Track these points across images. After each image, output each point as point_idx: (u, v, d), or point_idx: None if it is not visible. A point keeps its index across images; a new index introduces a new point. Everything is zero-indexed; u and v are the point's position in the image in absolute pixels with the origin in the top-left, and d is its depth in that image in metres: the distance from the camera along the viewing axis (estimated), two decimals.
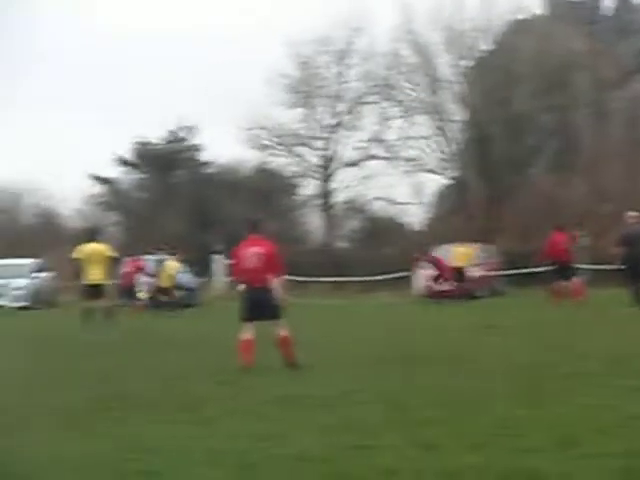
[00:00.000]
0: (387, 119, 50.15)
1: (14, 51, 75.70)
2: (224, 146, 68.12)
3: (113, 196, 59.06)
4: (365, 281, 39.94)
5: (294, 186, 53.22)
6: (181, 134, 58.18)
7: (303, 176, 52.13)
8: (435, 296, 31.69)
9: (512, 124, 46.15)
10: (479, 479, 6.68)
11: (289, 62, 50.22)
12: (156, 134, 57.54)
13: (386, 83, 49.31)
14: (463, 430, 8.26)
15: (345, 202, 52.20)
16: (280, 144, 51.27)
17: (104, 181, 58.78)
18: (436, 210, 51.66)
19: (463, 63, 48.32)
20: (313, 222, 54.18)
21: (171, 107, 75.40)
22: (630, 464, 6.78)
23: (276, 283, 13.76)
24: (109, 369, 13.87)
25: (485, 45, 48.78)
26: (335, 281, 40.40)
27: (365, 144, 50.83)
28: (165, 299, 30.95)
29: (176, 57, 73.17)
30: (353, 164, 51.11)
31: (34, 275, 38.56)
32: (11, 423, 9.39)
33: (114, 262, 22.95)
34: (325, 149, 51.27)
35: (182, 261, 32.94)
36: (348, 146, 51.35)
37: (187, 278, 35.74)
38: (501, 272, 36.56)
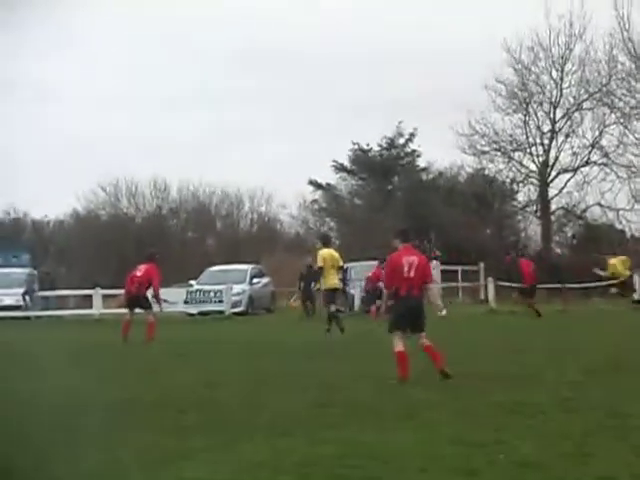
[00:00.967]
0: (605, 125, 49.52)
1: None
2: (441, 152, 68.39)
3: (330, 202, 60.24)
4: (582, 287, 39.63)
5: (511, 192, 53.06)
6: (399, 140, 58.94)
7: (520, 182, 51.98)
8: None
9: None
10: None
11: (507, 68, 50.28)
12: (374, 140, 58.63)
13: (603, 89, 48.67)
14: None
15: (562, 208, 51.70)
16: (497, 150, 51.27)
17: (322, 187, 60.05)
18: None
19: None
20: (530, 228, 53.95)
21: (389, 113, 76.17)
22: None
23: (433, 291, 13.86)
24: (327, 374, 14.24)
25: None
26: (552, 287, 40.23)
27: (583, 150, 50.33)
28: None
29: (396, 63, 73.75)
30: (571, 170, 50.61)
31: (254, 281, 39.64)
32: (226, 427, 9.80)
33: (342, 269, 23.50)
34: (542, 155, 50.99)
35: None
36: (565, 152, 50.96)
37: None
38: None
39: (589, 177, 49.96)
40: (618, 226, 50.14)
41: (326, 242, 23.82)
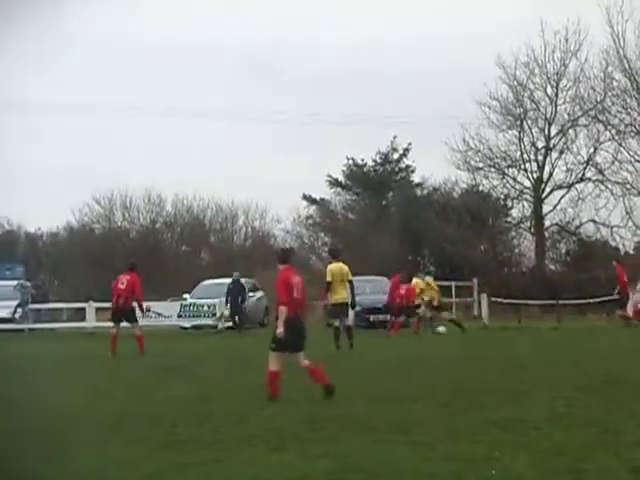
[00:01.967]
0: (599, 142, 49.64)
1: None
2: (435, 167, 68.54)
3: (324, 217, 60.33)
4: (576, 304, 39.74)
5: (505, 208, 53.14)
6: (393, 155, 59.11)
7: (514, 198, 52.05)
8: None
9: None
10: None
11: (502, 84, 50.39)
12: (369, 155, 58.78)
13: (598, 106, 48.82)
14: None
15: (556, 224, 51.77)
16: (492, 166, 51.33)
17: (316, 202, 60.16)
18: None
19: None
20: (524, 245, 53.99)
21: (383, 128, 76.33)
22: None
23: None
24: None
25: None
26: (546, 304, 40.33)
27: (577, 167, 50.42)
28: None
29: (390, 78, 73.95)
30: (565, 187, 50.70)
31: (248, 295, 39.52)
32: (218, 441, 9.76)
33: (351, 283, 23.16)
34: (537, 171, 51.06)
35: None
36: (560, 169, 51.04)
37: None
38: None
39: (583, 194, 50.06)
40: (612, 243, 50.23)
41: (335, 256, 23.81)
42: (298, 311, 13.54)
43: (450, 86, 66.78)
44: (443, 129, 60.65)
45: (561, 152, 50.60)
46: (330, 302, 22.81)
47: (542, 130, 50.81)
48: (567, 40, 49.26)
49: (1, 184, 67.45)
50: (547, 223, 51.61)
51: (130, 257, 32.16)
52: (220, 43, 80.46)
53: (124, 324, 23.54)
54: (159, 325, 36.24)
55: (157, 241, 60.34)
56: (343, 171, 59.11)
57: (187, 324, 37.46)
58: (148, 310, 27.52)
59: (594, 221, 49.89)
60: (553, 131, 50.69)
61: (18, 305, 39.30)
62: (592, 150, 49.74)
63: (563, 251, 53.34)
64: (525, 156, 51.06)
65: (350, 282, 22.91)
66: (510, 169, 51.39)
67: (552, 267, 52.87)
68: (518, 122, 50.70)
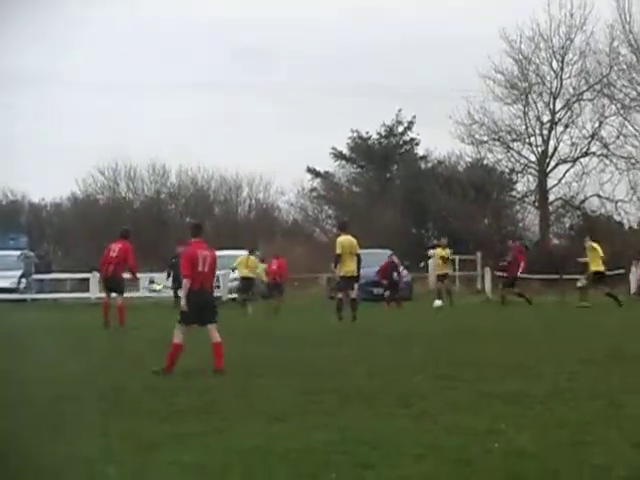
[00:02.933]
0: (604, 116, 49.48)
1: None
2: (440, 141, 68.28)
3: (329, 190, 60.26)
4: (579, 279, 39.60)
5: (510, 182, 53.01)
6: (398, 128, 58.99)
7: (519, 172, 51.92)
8: None
9: None
10: None
11: (507, 58, 50.16)
12: (373, 128, 58.66)
13: (604, 80, 48.63)
14: None
15: (561, 199, 51.65)
16: (496, 139, 51.18)
17: (320, 175, 60.09)
18: None
19: None
20: (528, 219, 53.90)
21: (389, 100, 76.15)
22: None
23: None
24: (321, 361, 14.27)
25: None
26: (549, 278, 40.25)
27: (582, 141, 50.29)
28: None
29: (395, 50, 73.66)
30: (570, 161, 50.56)
31: None
32: (220, 412, 9.75)
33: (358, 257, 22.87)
34: (541, 145, 50.92)
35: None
36: (565, 143, 50.91)
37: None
38: None
39: (588, 168, 50.01)
40: (616, 217, 50.13)
41: (344, 228, 23.70)
42: (206, 284, 13.68)
43: (456, 59, 66.64)
44: (447, 102, 60.37)
45: (566, 126, 50.50)
46: (339, 274, 22.71)
47: (547, 104, 50.66)
48: (572, 14, 49.11)
49: (5, 154, 67.36)
50: (551, 197, 51.57)
51: (122, 226, 30.84)
52: (222, 17, 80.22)
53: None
54: (161, 297, 36.19)
55: (161, 212, 60.20)
56: (348, 144, 59.12)
57: None
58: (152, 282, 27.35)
59: (599, 195, 49.85)
60: (558, 105, 50.60)
61: (22, 275, 39.29)
62: (597, 124, 49.71)
63: (567, 225, 53.25)
64: (530, 130, 50.96)
65: (358, 255, 22.76)
66: (515, 143, 51.31)
67: (556, 241, 52.81)
68: (523, 96, 50.53)
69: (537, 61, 50.31)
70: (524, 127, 50.96)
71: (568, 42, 49.58)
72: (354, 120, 69.31)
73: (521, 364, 13.50)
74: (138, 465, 7.39)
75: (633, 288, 34.67)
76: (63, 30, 77.93)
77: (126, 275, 23.98)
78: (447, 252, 32.36)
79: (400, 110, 58.08)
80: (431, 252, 32.83)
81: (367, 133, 58.55)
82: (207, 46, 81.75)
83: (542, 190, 50.86)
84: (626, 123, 48.81)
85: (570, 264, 42.13)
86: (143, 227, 50.24)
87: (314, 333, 20.13)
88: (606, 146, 49.37)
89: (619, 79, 48.65)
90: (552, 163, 50.89)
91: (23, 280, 39.35)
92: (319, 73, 79.85)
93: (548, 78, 50.45)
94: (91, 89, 78.48)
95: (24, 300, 38.03)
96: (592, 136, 49.80)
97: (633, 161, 48.68)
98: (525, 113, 50.77)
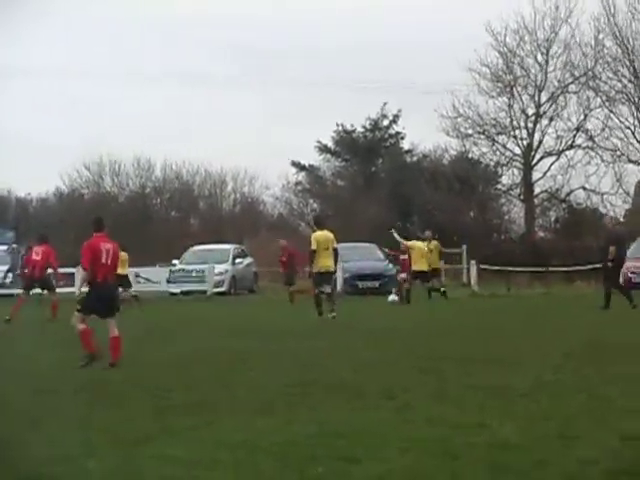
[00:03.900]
0: (590, 109, 49.61)
1: None
2: (425, 134, 68.43)
3: (313, 183, 60.24)
4: (565, 271, 39.79)
5: (495, 175, 53.10)
6: (383, 122, 58.97)
7: (504, 165, 52.03)
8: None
9: None
10: None
11: (492, 50, 50.23)
12: (358, 122, 58.62)
13: (589, 73, 48.75)
14: None
15: (546, 192, 51.76)
16: (481, 133, 51.26)
17: (305, 168, 60.05)
18: (636, 201, 50.62)
19: None
20: (514, 212, 54.01)
21: (373, 94, 76.15)
22: None
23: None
24: (307, 354, 14.30)
25: None
26: (535, 271, 40.35)
27: (567, 134, 50.41)
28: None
29: (381, 45, 73.62)
30: (555, 153, 50.67)
31: (236, 261, 39.39)
32: (206, 405, 9.75)
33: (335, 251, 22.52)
34: (527, 138, 51.01)
35: None
36: (550, 135, 51.03)
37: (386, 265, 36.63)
38: None
39: (573, 161, 50.23)
40: (602, 210, 50.29)
41: (320, 223, 23.54)
42: (108, 277, 13.89)
43: (440, 52, 66.64)
44: (433, 95, 60.44)
45: (551, 119, 50.68)
46: (314, 270, 22.46)
47: (532, 97, 50.82)
48: (557, 7, 49.30)
49: None
50: (537, 190, 51.75)
51: (42, 229, 33.09)
52: (207, 11, 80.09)
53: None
54: (148, 291, 36.13)
55: (146, 206, 60.16)
56: (332, 137, 59.11)
57: (176, 290, 37.37)
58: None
59: (584, 188, 50.00)
60: (543, 98, 50.77)
61: (8, 270, 39.13)
62: (582, 117, 49.93)
63: (553, 218, 53.41)
64: (515, 123, 51.09)
65: (335, 250, 22.54)
66: (500, 136, 51.45)
67: (542, 234, 52.94)
68: (508, 89, 50.62)
69: (522, 54, 50.54)
70: (509, 120, 51.18)
71: (553, 35, 49.82)
72: (339, 114, 69.54)
73: (505, 357, 13.51)
74: (121, 460, 7.37)
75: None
76: (51, 20, 77.59)
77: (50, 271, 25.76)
78: (432, 245, 31.69)
79: (385, 104, 58.17)
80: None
81: (352, 126, 58.59)
82: (192, 40, 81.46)
83: (527, 183, 50.98)
84: (611, 115, 49.08)
85: (555, 257, 42.39)
86: (128, 222, 50.09)
87: (297, 327, 20.12)
88: (591, 138, 49.57)
89: (604, 71, 48.89)
90: (537, 156, 51.10)
91: (9, 275, 39.19)
92: (304, 67, 79.87)
93: (533, 71, 50.69)
94: (74, 81, 78.16)
95: (11, 295, 37.88)
96: (577, 129, 50.00)
97: (619, 153, 48.92)
98: (510, 106, 50.94)
